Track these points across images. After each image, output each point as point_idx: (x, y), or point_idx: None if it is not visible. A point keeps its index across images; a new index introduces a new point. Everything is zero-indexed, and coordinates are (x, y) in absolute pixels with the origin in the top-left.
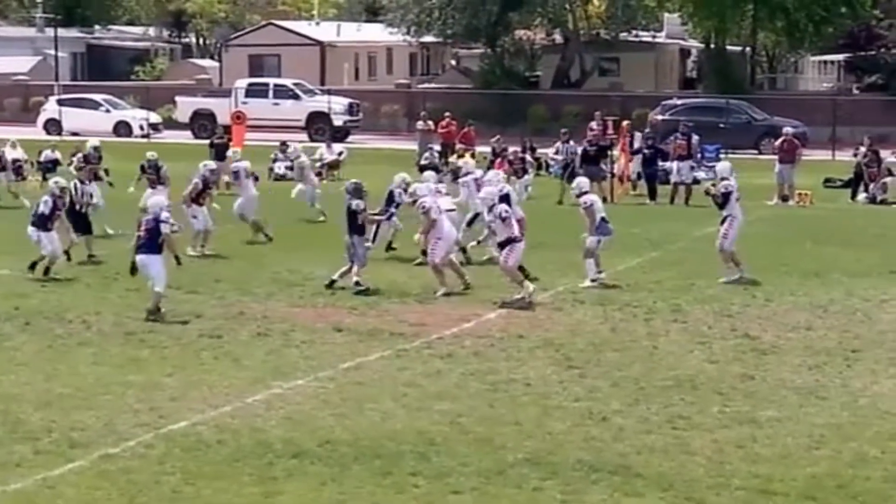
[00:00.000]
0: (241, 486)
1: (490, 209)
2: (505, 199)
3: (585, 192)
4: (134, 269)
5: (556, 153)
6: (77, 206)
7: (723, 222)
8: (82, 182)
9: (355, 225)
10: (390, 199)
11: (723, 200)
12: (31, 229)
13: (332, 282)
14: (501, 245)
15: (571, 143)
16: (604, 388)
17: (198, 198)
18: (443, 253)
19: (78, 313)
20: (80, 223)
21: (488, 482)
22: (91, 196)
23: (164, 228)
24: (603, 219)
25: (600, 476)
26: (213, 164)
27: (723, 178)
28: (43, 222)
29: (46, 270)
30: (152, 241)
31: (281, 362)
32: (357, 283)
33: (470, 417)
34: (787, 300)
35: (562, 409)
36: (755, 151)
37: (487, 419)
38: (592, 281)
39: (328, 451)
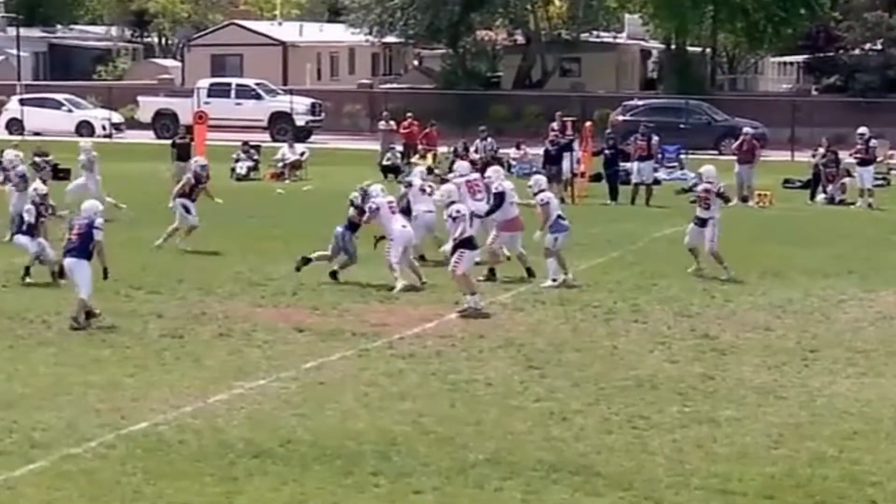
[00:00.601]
0: (202, 485)
1: (447, 207)
2: (500, 196)
3: (543, 190)
4: (62, 273)
5: (476, 151)
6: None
7: (704, 224)
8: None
9: (353, 221)
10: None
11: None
12: (22, 238)
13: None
14: (453, 249)
15: (489, 140)
16: (564, 388)
17: (190, 193)
18: (396, 253)
19: (38, 313)
20: None
21: (449, 482)
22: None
23: (97, 235)
24: (559, 216)
25: (561, 476)
26: (203, 160)
27: (709, 181)
28: (30, 232)
29: (60, 272)
30: (83, 246)
31: (242, 362)
32: (334, 274)
33: (431, 417)
34: (746, 300)
35: (522, 409)
36: (715, 152)
37: (448, 419)
38: (553, 280)
39: (289, 450)
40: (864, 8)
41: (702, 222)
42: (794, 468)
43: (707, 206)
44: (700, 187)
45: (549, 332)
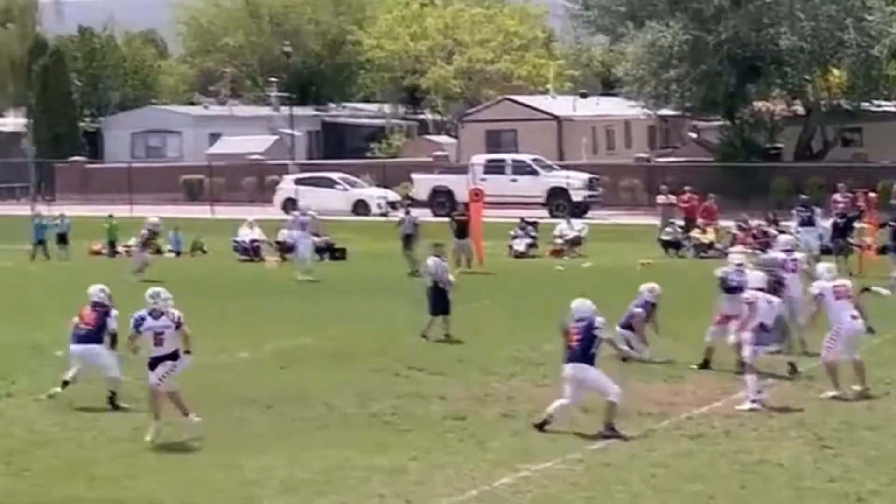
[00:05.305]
0: None
1: None
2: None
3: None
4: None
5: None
6: (439, 284)
7: None
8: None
9: None
10: None
11: None
12: None
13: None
14: None
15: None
16: (859, 468)
17: None
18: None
19: (320, 396)
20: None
21: None
22: None
23: (600, 334)
24: (763, 325)
25: None
26: None
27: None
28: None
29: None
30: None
31: (527, 444)
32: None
33: (721, 499)
34: None
35: (815, 490)
36: None
37: (739, 501)
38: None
39: None
40: None
41: None
42: None
43: None
44: None
45: (842, 410)
